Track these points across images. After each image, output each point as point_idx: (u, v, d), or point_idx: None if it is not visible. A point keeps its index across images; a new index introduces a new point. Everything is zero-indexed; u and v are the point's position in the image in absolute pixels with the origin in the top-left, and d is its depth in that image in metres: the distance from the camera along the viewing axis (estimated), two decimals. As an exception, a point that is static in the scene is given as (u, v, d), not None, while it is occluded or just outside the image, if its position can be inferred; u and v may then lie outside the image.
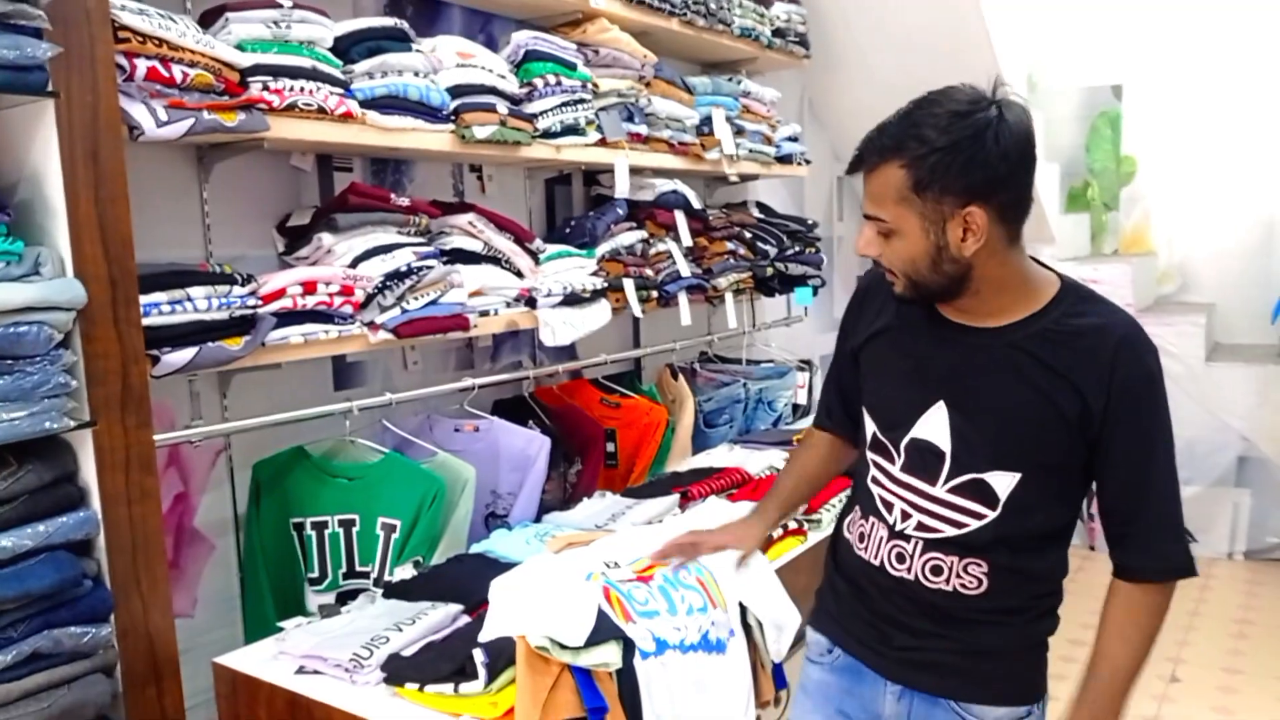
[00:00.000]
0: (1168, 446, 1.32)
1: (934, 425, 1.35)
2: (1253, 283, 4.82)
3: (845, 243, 4.49)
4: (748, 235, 3.14)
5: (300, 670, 1.51)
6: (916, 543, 1.38)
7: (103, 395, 1.43)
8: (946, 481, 1.35)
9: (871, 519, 1.44)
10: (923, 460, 1.36)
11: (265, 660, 1.56)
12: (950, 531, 1.35)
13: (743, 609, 1.74)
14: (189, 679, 1.63)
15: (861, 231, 1.34)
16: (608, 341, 2.83)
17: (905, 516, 1.39)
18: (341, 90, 1.86)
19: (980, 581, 1.35)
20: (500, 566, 1.77)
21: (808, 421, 3.18)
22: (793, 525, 2.10)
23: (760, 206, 3.46)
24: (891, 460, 1.40)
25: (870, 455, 1.45)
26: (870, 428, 1.45)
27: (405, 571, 1.82)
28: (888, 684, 1.43)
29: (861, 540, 1.46)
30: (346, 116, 1.85)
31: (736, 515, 2.11)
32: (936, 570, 1.37)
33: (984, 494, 1.33)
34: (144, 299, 1.51)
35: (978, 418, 1.33)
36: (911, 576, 1.38)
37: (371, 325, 1.93)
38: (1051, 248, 4.75)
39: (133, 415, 1.46)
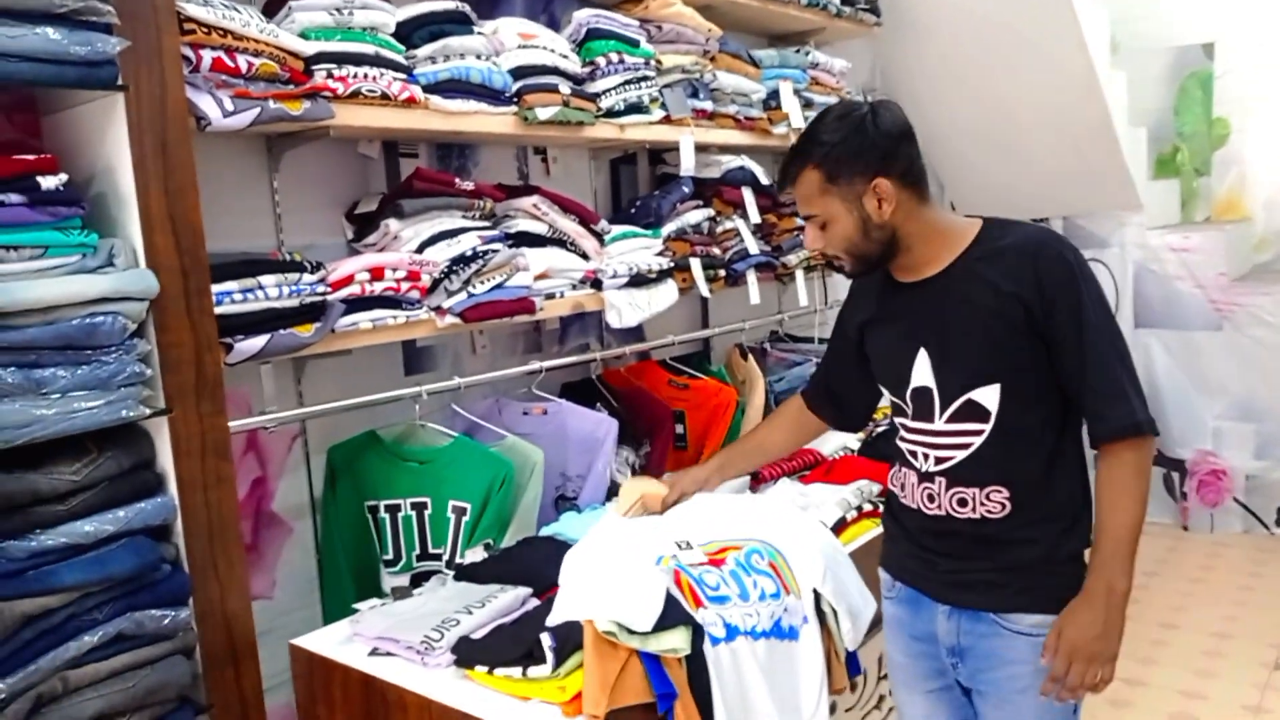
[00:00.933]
0: (1102, 322, 1.47)
1: (922, 371, 1.57)
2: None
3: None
4: (818, 211, 3.06)
5: (374, 652, 1.53)
6: (940, 480, 1.57)
7: (177, 383, 1.46)
8: (942, 413, 1.55)
9: (904, 469, 1.65)
10: (922, 403, 1.58)
11: (340, 642, 1.59)
12: (960, 455, 1.54)
13: (817, 596, 1.70)
14: (269, 659, 1.66)
15: (805, 232, 1.62)
16: (676, 322, 2.80)
17: (925, 457, 1.59)
18: (404, 76, 1.86)
19: (1003, 506, 1.52)
20: (569, 549, 1.77)
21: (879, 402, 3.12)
22: (868, 508, 2.05)
23: (831, 181, 3.38)
24: (906, 414, 1.62)
25: (895, 418, 1.67)
26: (888, 396, 1.68)
27: (476, 554, 1.83)
28: (938, 605, 1.62)
29: (902, 489, 1.66)
30: (410, 102, 1.85)
31: (809, 497, 2.08)
32: (962, 502, 1.55)
33: (976, 411, 1.52)
34: (216, 288, 1.54)
35: (949, 350, 1.54)
36: (943, 513, 1.57)
37: (438, 310, 1.93)
38: (1139, 215, 4.55)
39: (207, 402, 1.49)
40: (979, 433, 1.52)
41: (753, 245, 2.73)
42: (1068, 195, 4.24)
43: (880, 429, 2.63)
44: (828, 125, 1.55)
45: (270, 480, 1.99)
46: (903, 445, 1.65)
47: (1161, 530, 4.55)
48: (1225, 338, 4.47)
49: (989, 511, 1.53)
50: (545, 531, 1.95)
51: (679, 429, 2.55)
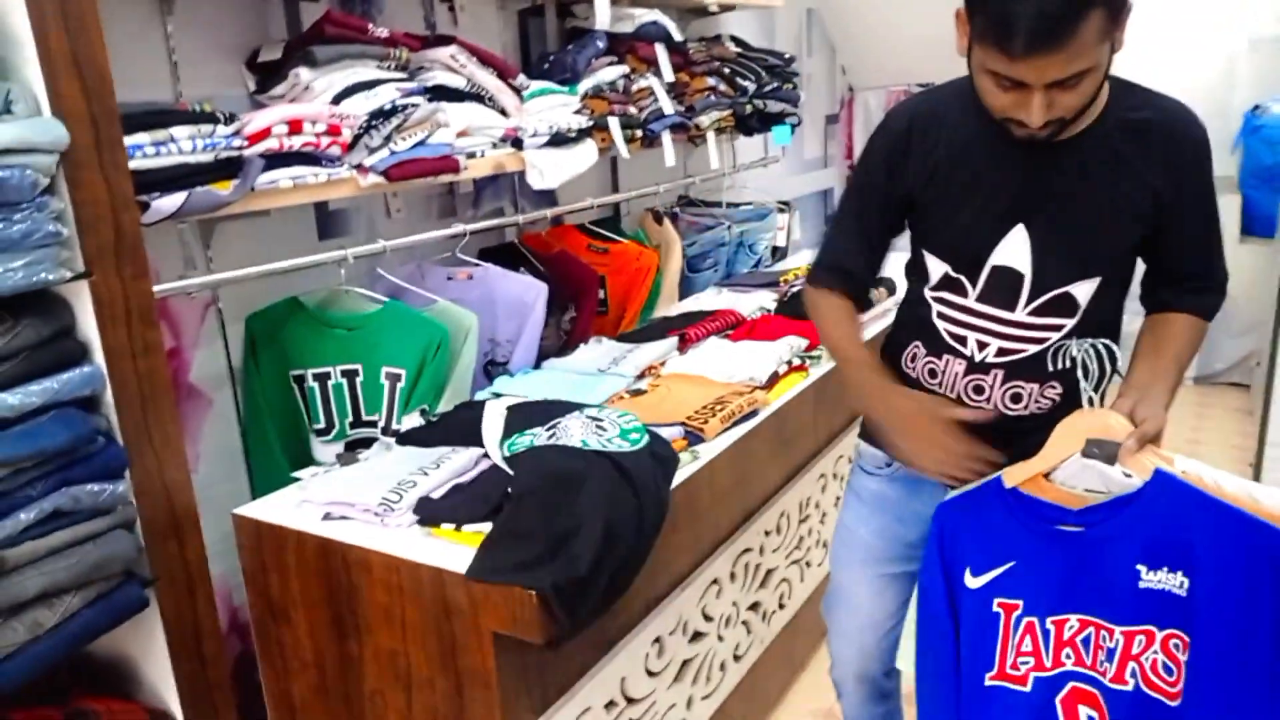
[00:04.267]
0: (1216, 208, 1.38)
1: (1013, 249, 1.34)
2: (1214, 114, 4.78)
3: (814, 80, 4.37)
4: (727, 71, 3.02)
5: (327, 517, 1.50)
6: (995, 373, 1.40)
7: (95, 245, 1.34)
8: (1028, 303, 1.36)
9: (945, 356, 1.44)
10: (1001, 286, 1.36)
11: (288, 509, 1.55)
12: (1032, 350, 1.38)
13: None
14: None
15: (1035, 103, 1.18)
16: (588, 186, 2.75)
17: (982, 346, 1.40)
18: (311, -93, 1.70)
19: (1054, 402, 1.40)
20: (513, 409, 1.76)
21: (789, 264, 3.18)
22: (796, 361, 2.11)
23: (735, 41, 3.33)
24: (964, 293, 1.40)
25: (934, 294, 1.43)
26: (939, 269, 1.42)
27: (413, 420, 1.80)
28: (948, 488, 1.44)
29: (933, 376, 1.47)
30: (318, -63, 1.70)
31: (739, 355, 2.12)
32: (1016, 398, 1.40)
33: (1066, 305, 1.35)
34: (127, 140, 1.41)
35: (1061, 234, 1.33)
36: (990, 406, 1.41)
37: (360, 168, 1.83)
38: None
39: (129, 265, 1.38)
40: (1059, 328, 1.36)
41: (667, 105, 2.68)
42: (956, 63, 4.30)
43: (794, 288, 2.69)
44: None
45: (185, 351, 1.89)
46: (944, 326, 1.43)
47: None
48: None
49: (1039, 408, 1.40)
50: (481, 396, 1.93)
51: (600, 293, 2.53)
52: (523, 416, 1.69)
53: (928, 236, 1.43)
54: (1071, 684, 1.27)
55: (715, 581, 1.91)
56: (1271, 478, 3.38)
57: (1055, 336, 1.37)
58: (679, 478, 1.65)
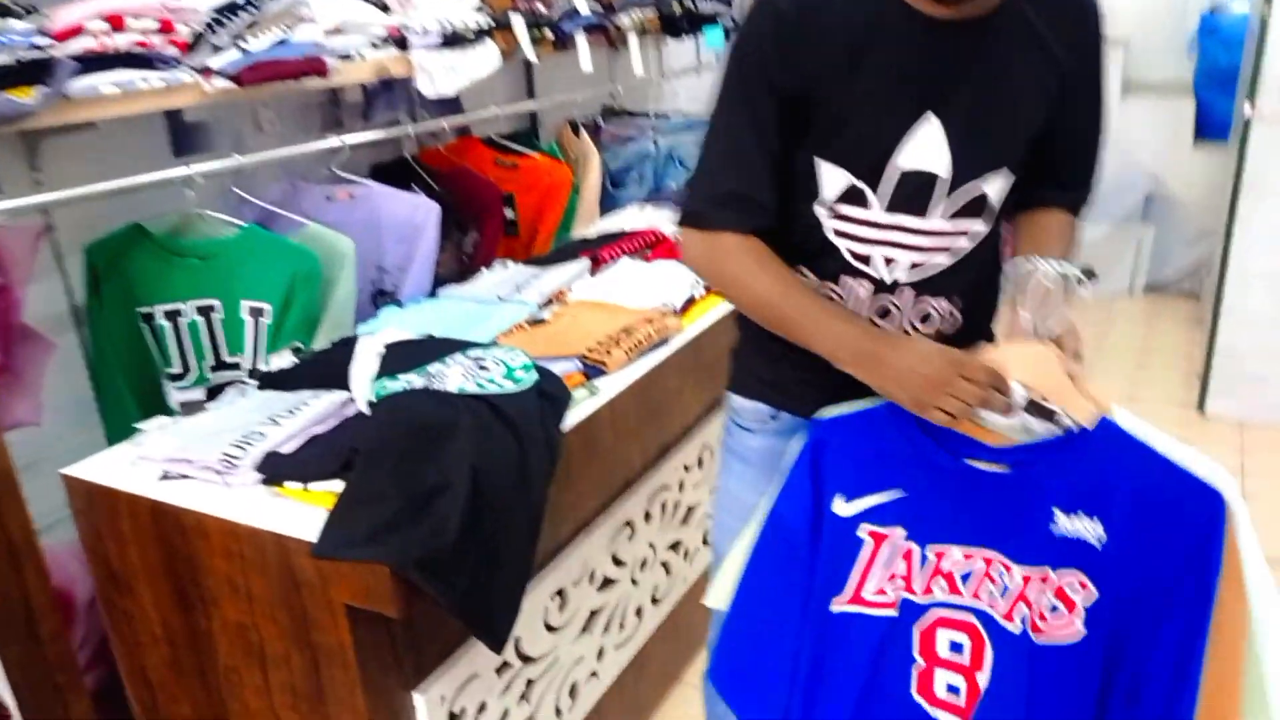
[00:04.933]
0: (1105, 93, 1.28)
1: (924, 147, 1.14)
2: (1170, 15, 4.62)
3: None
4: (650, -35, 2.76)
5: (165, 476, 1.31)
6: (906, 292, 1.22)
7: None
8: (943, 205, 1.18)
9: (844, 279, 1.23)
10: (912, 190, 1.16)
11: (123, 468, 1.35)
12: (944, 261, 1.21)
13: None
14: (45, 493, 1.42)
15: None
16: (498, 93, 2.51)
17: (889, 262, 1.20)
18: None
19: (958, 316, 1.26)
20: (392, 348, 1.57)
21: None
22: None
23: (661, -68, 3.06)
24: (866, 205, 1.18)
25: (831, 210, 1.20)
26: (839, 179, 1.18)
27: (283, 359, 1.61)
28: None
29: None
30: None
31: (653, 277, 1.94)
32: (925, 318, 1.24)
33: (978, 205, 1.20)
34: (-121, 34, 1.17)
35: (974, 121, 1.14)
36: (895, 331, 1.23)
37: (205, 71, 1.59)
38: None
39: (-106, 187, 1.16)
40: (966, 233, 1.21)
41: (582, 3, 2.43)
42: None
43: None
44: None
45: (16, 287, 1.65)
46: (846, 245, 1.21)
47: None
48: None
49: (945, 327, 1.25)
50: (363, 330, 1.73)
51: (509, 213, 2.32)
52: (401, 356, 1.50)
53: (824, 141, 1.17)
54: (937, 613, 1.16)
55: (628, 523, 1.75)
56: (1218, 385, 3.31)
57: (967, 245, 1.22)
58: (575, 417, 1.48)
